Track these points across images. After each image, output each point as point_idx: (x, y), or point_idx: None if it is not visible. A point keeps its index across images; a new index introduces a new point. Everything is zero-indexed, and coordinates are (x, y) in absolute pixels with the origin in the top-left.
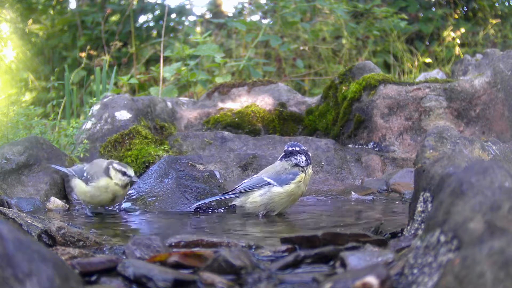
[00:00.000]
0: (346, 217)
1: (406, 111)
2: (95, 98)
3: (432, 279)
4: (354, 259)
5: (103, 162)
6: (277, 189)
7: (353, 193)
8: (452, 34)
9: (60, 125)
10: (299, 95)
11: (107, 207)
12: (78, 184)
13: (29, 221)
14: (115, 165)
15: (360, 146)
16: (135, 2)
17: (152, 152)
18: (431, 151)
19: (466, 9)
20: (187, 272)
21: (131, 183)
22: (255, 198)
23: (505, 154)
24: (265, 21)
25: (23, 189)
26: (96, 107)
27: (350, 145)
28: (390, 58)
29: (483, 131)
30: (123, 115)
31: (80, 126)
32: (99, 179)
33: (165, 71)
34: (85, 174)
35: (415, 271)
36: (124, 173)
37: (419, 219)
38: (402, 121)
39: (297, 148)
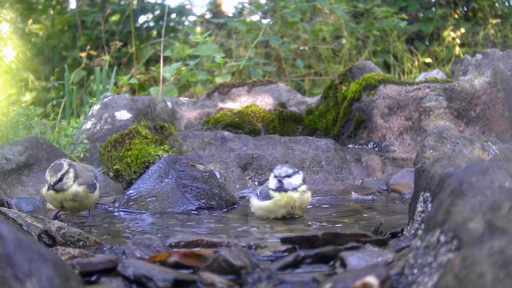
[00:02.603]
0: (346, 217)
1: (406, 111)
2: (95, 98)
3: (432, 279)
4: (354, 259)
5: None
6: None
7: (353, 193)
8: (452, 34)
9: (60, 125)
10: (299, 95)
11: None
12: None
13: (29, 221)
14: (49, 168)
15: (360, 146)
16: (135, 2)
17: (152, 152)
18: (431, 151)
19: (466, 9)
20: (187, 272)
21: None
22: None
23: (505, 154)
24: (265, 21)
25: (23, 189)
26: (96, 107)
27: (350, 145)
28: (390, 58)
29: (483, 131)
30: (123, 115)
31: (80, 126)
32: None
33: (165, 71)
34: None
35: (415, 271)
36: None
37: (419, 219)
38: (402, 121)
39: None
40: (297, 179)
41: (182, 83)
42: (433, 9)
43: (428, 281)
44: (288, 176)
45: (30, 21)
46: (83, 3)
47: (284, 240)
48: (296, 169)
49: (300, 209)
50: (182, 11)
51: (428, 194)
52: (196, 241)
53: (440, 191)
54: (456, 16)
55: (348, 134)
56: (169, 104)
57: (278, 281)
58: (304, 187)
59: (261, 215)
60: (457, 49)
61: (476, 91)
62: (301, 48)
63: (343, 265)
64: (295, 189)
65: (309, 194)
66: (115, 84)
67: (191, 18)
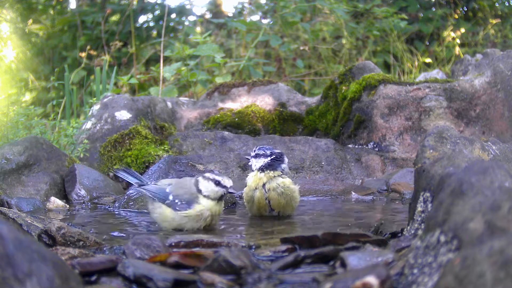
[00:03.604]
0: (346, 217)
1: (406, 111)
2: (95, 98)
3: (432, 279)
4: (354, 259)
5: (190, 182)
6: None
7: (353, 193)
8: (452, 34)
9: (60, 125)
10: (299, 95)
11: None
12: (161, 211)
13: (29, 221)
14: (207, 175)
15: (360, 146)
16: (135, 2)
17: (152, 152)
18: (431, 151)
19: (466, 9)
20: (187, 272)
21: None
22: None
23: (505, 154)
24: (265, 21)
25: (23, 189)
26: (96, 107)
27: (350, 145)
28: (390, 58)
29: (483, 131)
30: (123, 115)
31: (80, 126)
32: (191, 207)
33: (165, 71)
34: (170, 198)
35: (415, 271)
36: (217, 183)
37: (419, 219)
38: (402, 121)
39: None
40: (260, 162)
41: (182, 83)
42: (433, 9)
43: (428, 281)
44: (255, 156)
45: (30, 21)
46: (83, 3)
47: (284, 240)
48: (269, 152)
49: (276, 194)
50: (182, 11)
51: (428, 194)
52: (196, 241)
53: (440, 191)
54: (456, 16)
55: (348, 134)
56: (169, 104)
57: (278, 281)
58: (272, 173)
59: (247, 206)
60: (457, 49)
61: (476, 91)
62: (301, 48)
63: (343, 265)
64: (261, 169)
65: (287, 181)
66: (115, 84)
67: (191, 18)
